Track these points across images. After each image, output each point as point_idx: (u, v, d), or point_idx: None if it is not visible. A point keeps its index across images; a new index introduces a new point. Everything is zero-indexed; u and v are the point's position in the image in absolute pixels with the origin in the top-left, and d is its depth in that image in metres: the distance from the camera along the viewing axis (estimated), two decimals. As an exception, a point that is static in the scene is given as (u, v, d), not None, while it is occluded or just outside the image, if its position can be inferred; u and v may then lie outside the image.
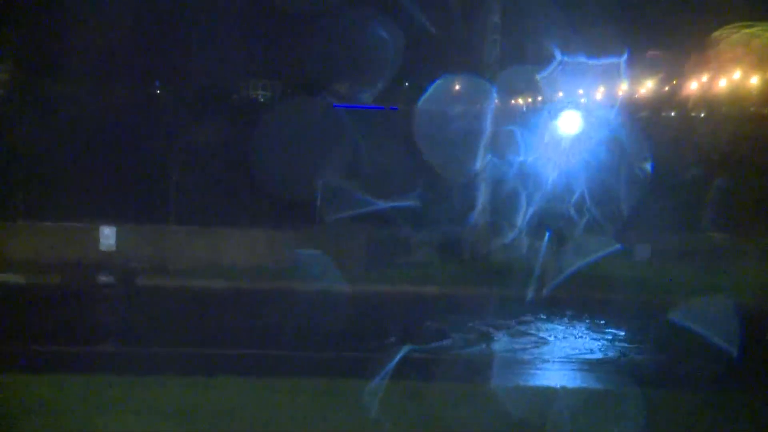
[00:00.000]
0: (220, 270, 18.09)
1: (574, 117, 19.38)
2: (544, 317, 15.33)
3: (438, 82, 20.69)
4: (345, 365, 11.59)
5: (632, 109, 21.97)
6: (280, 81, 27.41)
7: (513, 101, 25.22)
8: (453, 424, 8.90)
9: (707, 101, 23.15)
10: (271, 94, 27.00)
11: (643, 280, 18.16)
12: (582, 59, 20.00)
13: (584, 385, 11.60)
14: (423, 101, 20.36)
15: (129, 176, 20.50)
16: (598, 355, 13.11)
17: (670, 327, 14.60)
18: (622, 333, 14.41)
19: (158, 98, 24.85)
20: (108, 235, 18.41)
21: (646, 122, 21.15)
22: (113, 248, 18.37)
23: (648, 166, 18.55)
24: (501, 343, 13.65)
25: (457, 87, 23.00)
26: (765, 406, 9.69)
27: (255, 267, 18.41)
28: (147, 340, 12.82)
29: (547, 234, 18.89)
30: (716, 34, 23.03)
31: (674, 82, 24.65)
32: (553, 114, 19.39)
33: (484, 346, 13.44)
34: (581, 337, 14.18)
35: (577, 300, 16.65)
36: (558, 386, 10.89)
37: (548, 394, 10.49)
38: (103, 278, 17.21)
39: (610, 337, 14.15)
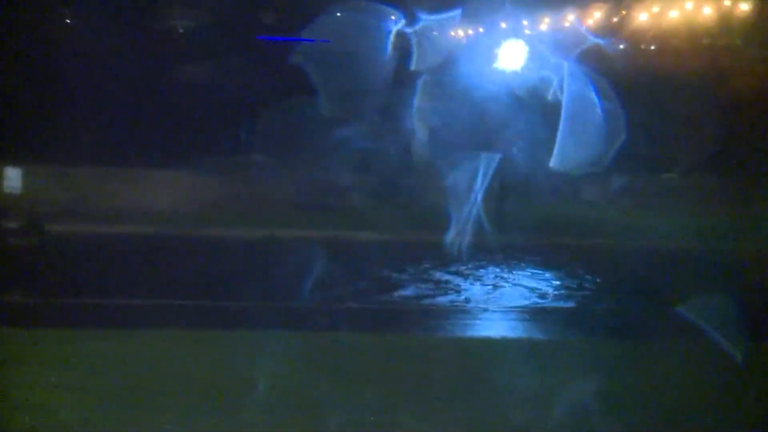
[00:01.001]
0: (138, 215, 17.69)
1: (517, 49, 19.25)
2: (487, 263, 15.41)
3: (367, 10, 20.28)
4: (274, 316, 11.44)
5: (579, 41, 21.88)
6: (203, 10, 26.75)
7: (452, 33, 25.05)
8: (389, 377, 8.88)
9: (659, 33, 23.19)
10: (194, 25, 26.45)
11: (590, 222, 18.32)
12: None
13: (526, 335, 11.70)
14: (350, 33, 20.00)
15: (36, 111, 19.92)
16: (543, 303, 13.22)
17: (617, 273, 14.82)
18: (567, 279, 14.54)
19: (70, 25, 24.14)
20: (12, 177, 17.88)
21: (593, 55, 21.11)
22: (18, 191, 17.87)
23: (594, 102, 18.54)
24: (442, 291, 13.68)
25: (393, 17, 22.67)
26: (701, 353, 9.79)
27: (176, 211, 18.15)
28: (55, 290, 12.54)
29: (491, 175, 18.87)
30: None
31: (623, 12, 24.60)
32: (494, 45, 19.25)
33: (423, 294, 13.44)
34: (524, 283, 14.27)
35: (524, 246, 16.74)
36: (498, 336, 10.97)
37: (488, 344, 10.56)
38: (6, 224, 16.72)
39: (555, 283, 14.28)
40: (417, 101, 19.98)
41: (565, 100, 18.66)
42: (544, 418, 7.90)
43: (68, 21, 24.23)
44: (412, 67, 18.68)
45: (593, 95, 18.65)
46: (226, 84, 19.35)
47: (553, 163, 18.56)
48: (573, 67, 20.36)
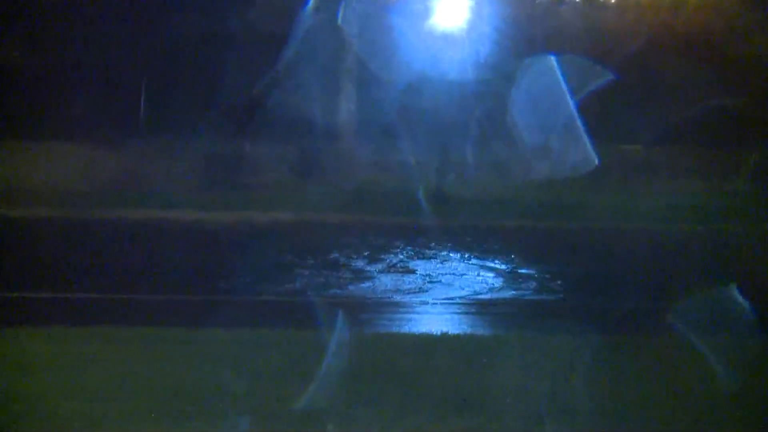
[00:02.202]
0: (19, 195, 17.09)
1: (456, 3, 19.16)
2: (424, 249, 15.07)
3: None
4: (177, 310, 11.11)
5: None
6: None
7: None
8: (306, 379, 8.68)
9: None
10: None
11: (541, 203, 18.14)
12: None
13: (470, 330, 11.54)
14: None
15: None
16: (486, 295, 13.00)
17: (569, 259, 14.74)
18: (515, 267, 14.38)
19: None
20: None
21: (544, 9, 21.04)
22: None
23: (548, 62, 18.41)
24: (370, 280, 13.45)
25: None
26: (650, 348, 9.72)
27: (65, 191, 17.67)
28: None
29: (428, 150, 18.70)
30: None
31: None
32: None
33: (349, 284, 13.26)
34: (468, 272, 14.03)
35: (466, 229, 16.47)
36: (438, 332, 10.80)
37: (426, 341, 10.36)
38: None
39: (501, 272, 14.10)
40: (345, 63, 19.71)
41: (513, 61, 18.53)
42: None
43: None
44: (339, 23, 18.42)
45: (546, 56, 18.52)
46: (121, 40, 18.90)
47: (501, 137, 18.48)
48: (521, 24, 20.26)
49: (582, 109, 17.68)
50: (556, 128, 18.46)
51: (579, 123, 17.76)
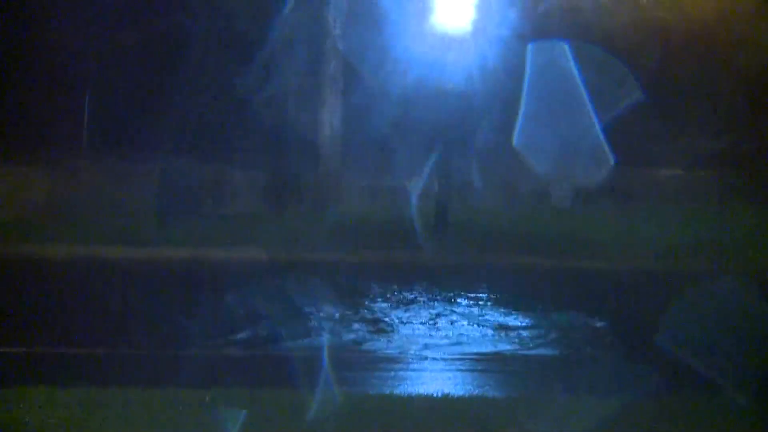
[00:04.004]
0: None
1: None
2: (420, 294, 14.69)
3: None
4: (120, 367, 10.44)
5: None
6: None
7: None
8: None
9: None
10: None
11: (563, 235, 17.88)
12: None
13: (476, 391, 11.00)
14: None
15: None
16: (494, 349, 12.49)
17: (596, 309, 14.14)
18: (529, 316, 13.81)
19: None
20: None
21: (565, 8, 20.71)
22: None
23: (566, 70, 18.06)
24: (356, 332, 12.73)
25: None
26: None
27: None
28: None
29: (428, 170, 18.29)
30: None
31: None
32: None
33: (330, 335, 12.65)
34: (473, 323, 13.52)
35: (472, 267, 16.29)
36: (438, 394, 10.24)
37: (423, 404, 9.81)
38: None
39: (513, 322, 13.38)
40: (329, 69, 19.29)
41: (527, 66, 18.05)
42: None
43: None
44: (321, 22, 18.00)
45: (564, 61, 18.02)
46: (64, 46, 18.45)
47: (513, 156, 18.06)
48: (537, 24, 19.84)
49: (606, 127, 17.30)
50: (576, 148, 18.05)
51: (602, 143, 17.40)
